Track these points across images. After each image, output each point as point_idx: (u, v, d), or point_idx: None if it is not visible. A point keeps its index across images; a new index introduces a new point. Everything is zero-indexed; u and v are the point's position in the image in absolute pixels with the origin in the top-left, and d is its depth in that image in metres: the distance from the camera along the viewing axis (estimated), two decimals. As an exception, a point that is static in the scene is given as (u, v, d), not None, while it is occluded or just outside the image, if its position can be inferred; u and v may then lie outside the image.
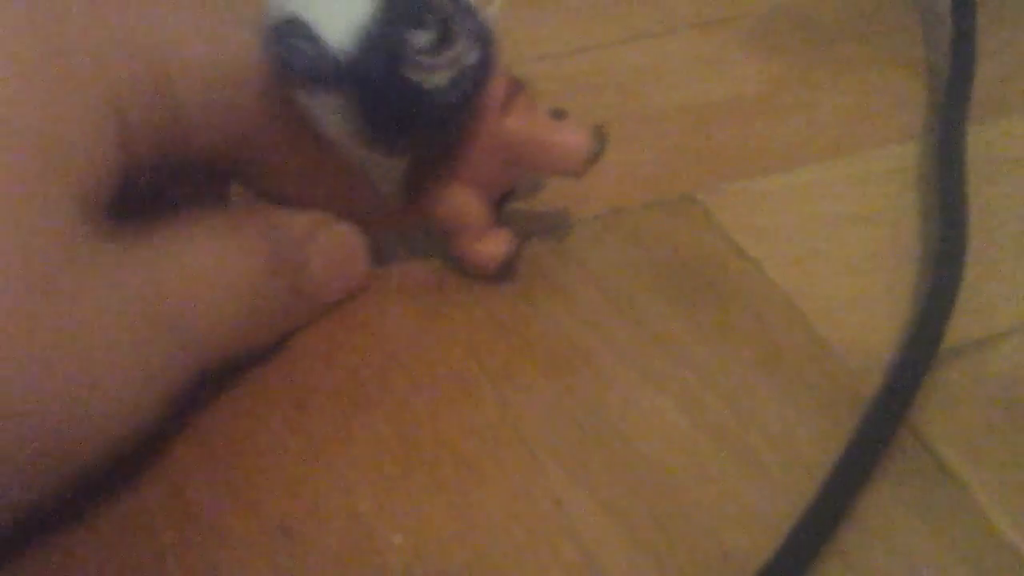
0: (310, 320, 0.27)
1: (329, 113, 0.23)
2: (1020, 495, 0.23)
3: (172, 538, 0.22)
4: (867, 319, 0.27)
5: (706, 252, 0.29)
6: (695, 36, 0.38)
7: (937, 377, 0.26)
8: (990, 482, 0.24)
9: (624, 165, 0.32)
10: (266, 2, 0.23)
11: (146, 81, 0.21)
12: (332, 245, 0.27)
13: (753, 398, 0.25)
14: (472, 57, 0.23)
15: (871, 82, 0.36)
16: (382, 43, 0.22)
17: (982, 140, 0.33)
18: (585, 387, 0.26)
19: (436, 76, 0.23)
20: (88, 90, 0.20)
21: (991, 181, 0.32)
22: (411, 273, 0.29)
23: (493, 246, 0.28)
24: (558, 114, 0.27)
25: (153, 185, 0.24)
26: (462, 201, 0.27)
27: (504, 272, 0.28)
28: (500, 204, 0.28)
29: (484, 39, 0.24)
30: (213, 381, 0.25)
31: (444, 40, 0.23)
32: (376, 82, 0.22)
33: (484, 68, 0.24)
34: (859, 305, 0.28)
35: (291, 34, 0.22)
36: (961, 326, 0.27)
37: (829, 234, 0.30)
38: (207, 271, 0.23)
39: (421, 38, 0.23)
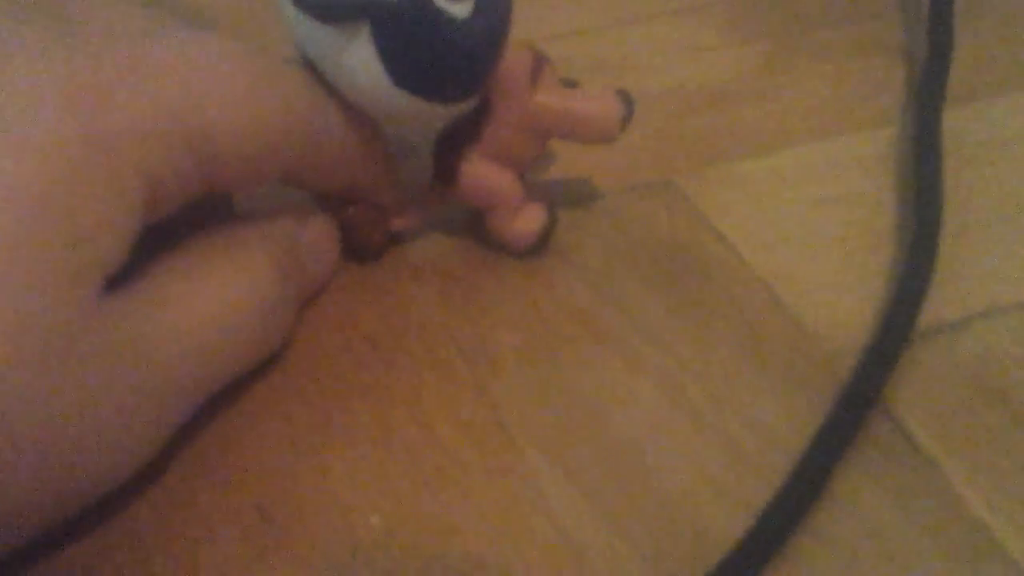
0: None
1: (358, 61, 0.23)
2: (991, 475, 0.24)
3: (150, 520, 0.22)
4: (843, 302, 0.28)
5: (684, 236, 0.29)
6: (673, 22, 0.38)
7: (911, 358, 0.26)
8: (962, 462, 0.24)
9: (602, 150, 0.32)
10: None
11: (182, 147, 0.21)
12: (317, 238, 0.27)
13: (730, 381, 0.25)
14: None
15: (849, 67, 0.36)
16: None
17: (958, 124, 0.33)
18: (563, 370, 0.26)
19: (458, 6, 0.23)
20: (121, 165, 0.20)
21: (967, 164, 0.32)
22: (387, 262, 0.29)
23: (529, 221, 0.28)
24: (569, 84, 0.27)
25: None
26: (495, 177, 0.27)
27: (540, 246, 0.28)
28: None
29: None
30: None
31: None
32: (399, 9, 0.22)
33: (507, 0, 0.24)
34: (836, 288, 0.28)
35: None
36: (936, 308, 0.27)
37: (806, 218, 0.30)
38: (218, 303, 0.23)
39: None
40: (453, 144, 0.27)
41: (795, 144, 0.33)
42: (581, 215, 0.30)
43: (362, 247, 0.28)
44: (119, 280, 0.21)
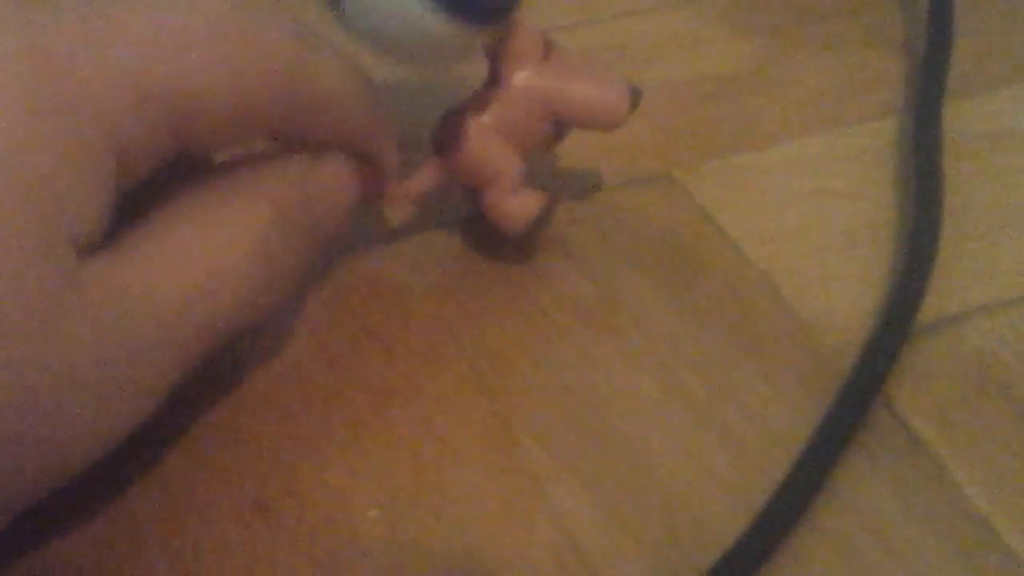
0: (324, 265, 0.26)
1: None
2: (992, 469, 0.23)
3: (148, 514, 0.22)
4: (844, 296, 0.28)
5: (684, 230, 0.29)
6: (673, 14, 0.38)
7: (912, 352, 0.26)
8: (963, 456, 0.24)
9: (602, 143, 0.32)
10: None
11: (150, 109, 0.20)
12: (330, 179, 0.25)
13: (729, 374, 0.25)
14: None
15: (849, 60, 0.36)
16: None
17: (958, 117, 0.33)
18: (563, 364, 0.26)
19: None
20: (88, 132, 0.19)
21: (967, 158, 0.32)
22: (388, 252, 0.29)
23: (525, 205, 0.27)
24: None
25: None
26: (496, 153, 0.26)
27: (532, 231, 0.27)
28: None
29: None
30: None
31: None
32: None
33: None
34: (836, 282, 0.28)
35: None
36: (937, 302, 0.27)
37: (806, 211, 0.30)
38: (210, 252, 0.22)
39: None
40: (459, 118, 0.27)
41: (795, 137, 0.33)
42: (581, 208, 0.30)
43: None
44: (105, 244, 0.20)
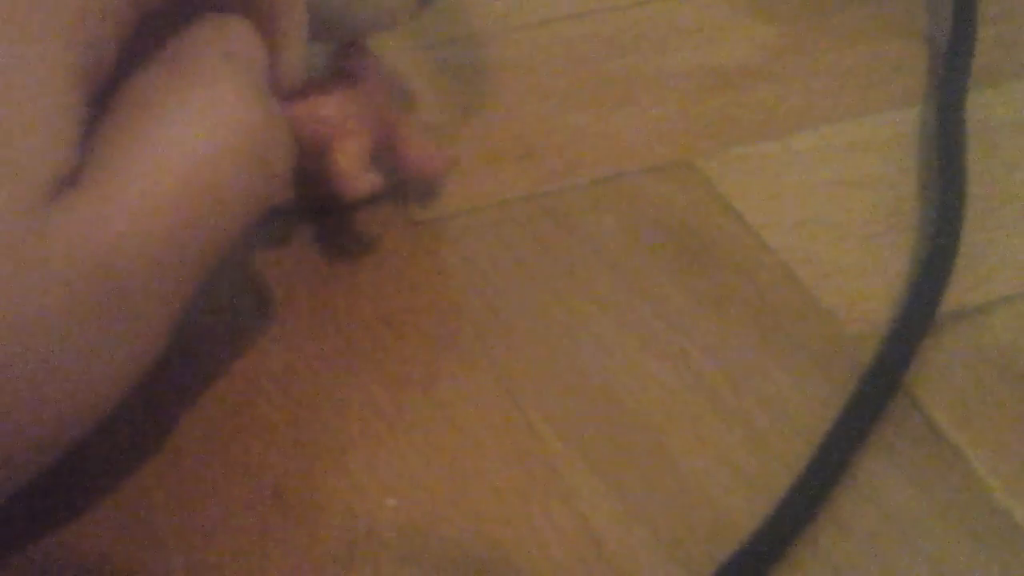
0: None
1: None
2: (1014, 460, 0.23)
3: (165, 504, 0.22)
4: (865, 285, 0.27)
5: (704, 218, 0.29)
6: (693, 2, 0.38)
7: (933, 342, 0.26)
8: (984, 447, 0.23)
9: (623, 130, 0.32)
10: None
11: None
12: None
13: (749, 364, 0.25)
14: None
15: (871, 48, 0.36)
16: None
17: (982, 106, 0.33)
18: (581, 352, 0.26)
19: None
20: (44, 42, 0.17)
21: (991, 148, 0.31)
22: (404, 238, 0.28)
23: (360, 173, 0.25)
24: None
25: None
26: (337, 108, 0.25)
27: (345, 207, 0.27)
28: None
29: None
30: (207, 344, 0.25)
31: None
32: None
33: None
34: (857, 271, 0.28)
35: None
36: (959, 292, 0.27)
37: (828, 200, 0.30)
38: (190, 158, 0.18)
39: None
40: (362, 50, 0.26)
41: (816, 126, 0.32)
42: (599, 195, 0.30)
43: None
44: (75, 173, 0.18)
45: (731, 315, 0.26)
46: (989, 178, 0.30)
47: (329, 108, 0.25)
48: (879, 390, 0.24)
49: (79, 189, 0.18)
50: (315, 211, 0.28)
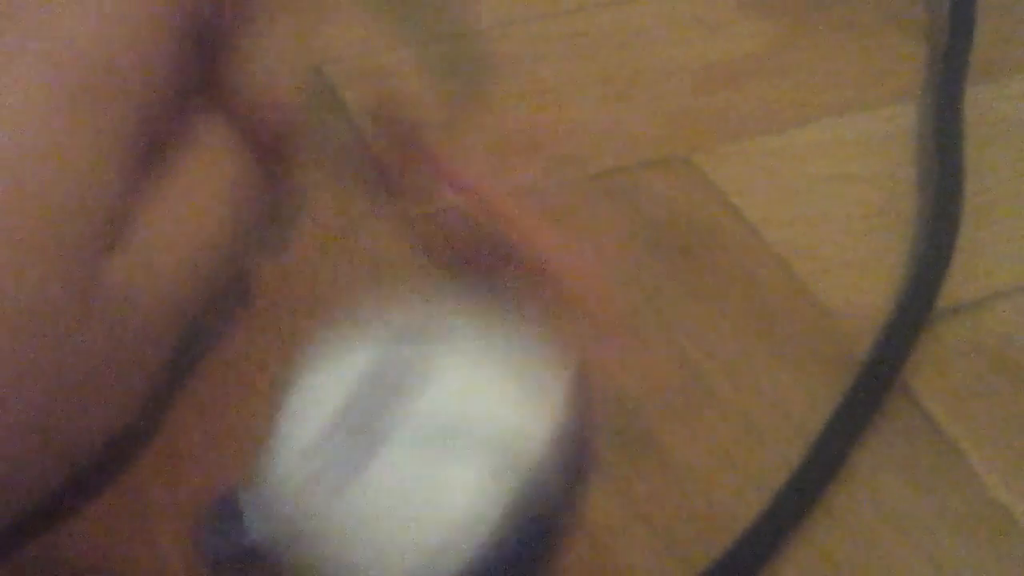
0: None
1: None
2: (1010, 454, 0.23)
3: (156, 483, 0.22)
4: (862, 280, 0.27)
5: (701, 213, 0.29)
6: (692, -4, 0.38)
7: (931, 338, 0.26)
8: (981, 441, 0.23)
9: (619, 125, 0.32)
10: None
11: (168, 26, 0.19)
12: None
13: (745, 359, 0.25)
14: None
15: (868, 43, 0.36)
16: None
17: (980, 101, 0.33)
18: (574, 345, 0.25)
19: None
20: (104, 104, 0.18)
21: (989, 142, 0.31)
22: (397, 231, 0.28)
23: None
24: None
25: None
26: None
27: None
28: None
29: None
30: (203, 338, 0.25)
31: None
32: None
33: None
34: (854, 266, 0.28)
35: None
36: (956, 286, 0.27)
37: (825, 195, 0.30)
38: (195, 222, 0.21)
39: None
40: None
41: (813, 121, 0.32)
42: (596, 191, 0.30)
43: None
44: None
45: (727, 309, 0.26)
46: (987, 173, 0.30)
47: None
48: (875, 385, 0.24)
49: (124, 243, 0.19)
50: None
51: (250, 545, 0.17)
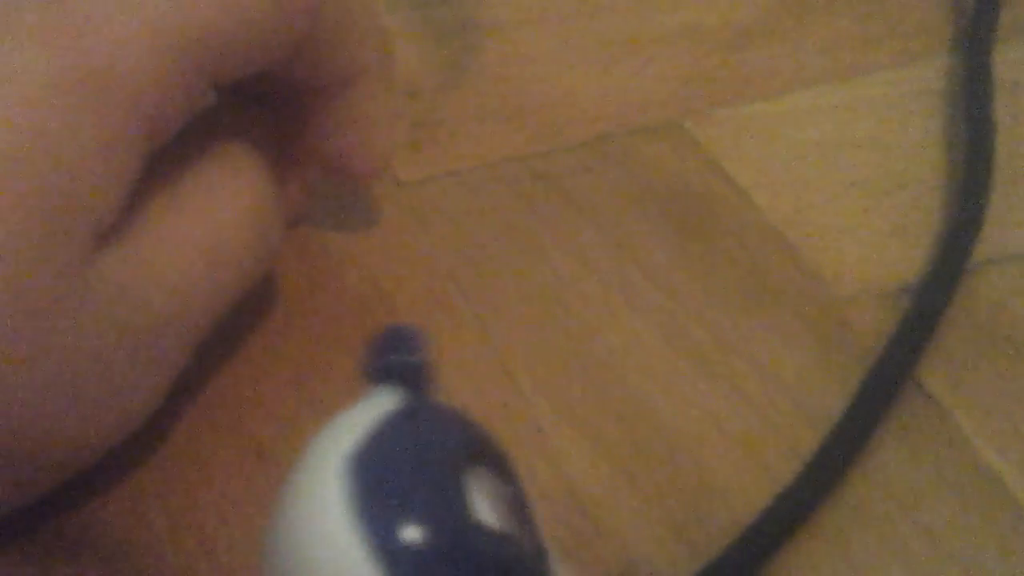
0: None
1: None
2: (1004, 424, 0.23)
3: (148, 464, 0.22)
4: (854, 247, 0.27)
5: (693, 180, 0.29)
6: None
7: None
8: (974, 411, 0.23)
9: (612, 91, 0.31)
10: None
11: (183, 63, 0.19)
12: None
13: (738, 327, 0.25)
14: None
15: (864, 8, 0.35)
16: None
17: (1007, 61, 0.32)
18: (568, 314, 0.25)
19: None
20: (114, 104, 0.18)
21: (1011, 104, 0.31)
22: (389, 206, 0.28)
23: None
24: None
25: None
26: None
27: None
28: None
29: None
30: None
31: None
32: None
33: None
34: (847, 233, 0.27)
35: None
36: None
37: (819, 162, 0.30)
38: (212, 229, 0.21)
39: None
40: None
41: (810, 86, 0.32)
42: (588, 157, 0.30)
43: None
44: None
45: (719, 276, 0.26)
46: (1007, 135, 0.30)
47: None
48: (890, 375, 0.23)
49: (123, 240, 0.19)
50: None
51: (420, 361, 0.17)
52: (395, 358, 0.17)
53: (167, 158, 0.21)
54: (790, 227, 0.28)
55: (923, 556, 0.21)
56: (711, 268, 0.26)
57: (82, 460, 0.20)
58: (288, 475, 0.15)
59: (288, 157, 0.25)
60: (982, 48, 0.32)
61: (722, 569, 0.20)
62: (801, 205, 0.28)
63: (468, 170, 0.29)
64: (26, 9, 0.18)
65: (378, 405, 0.16)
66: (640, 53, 0.33)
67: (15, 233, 0.17)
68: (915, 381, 0.24)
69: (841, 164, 0.29)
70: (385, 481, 0.14)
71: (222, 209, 0.21)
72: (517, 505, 0.17)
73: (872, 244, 0.27)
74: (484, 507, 0.16)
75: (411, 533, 0.14)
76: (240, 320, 0.25)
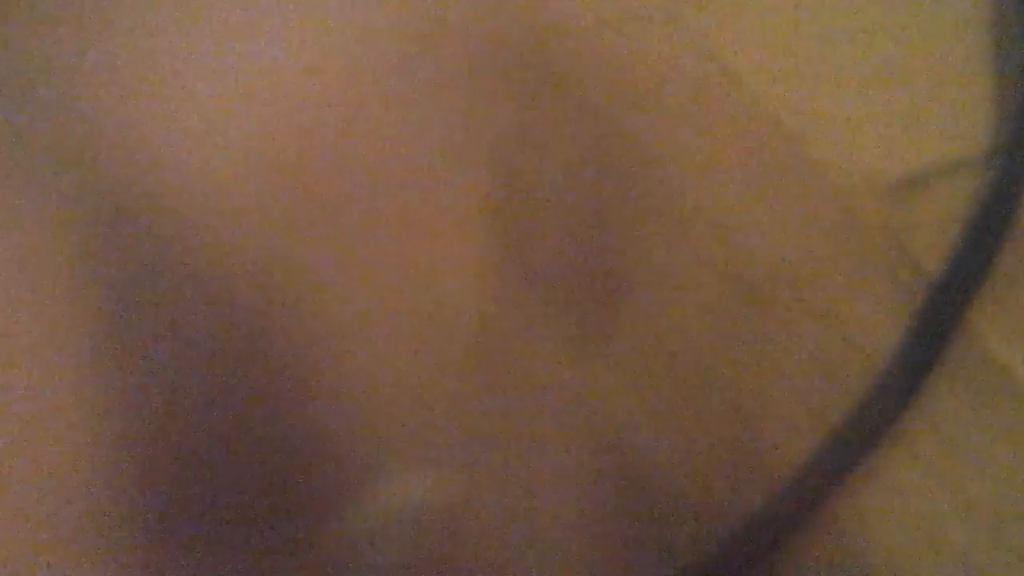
0: None
1: None
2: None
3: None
4: (856, 137, 0.27)
5: (688, 70, 0.28)
6: None
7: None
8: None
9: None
10: None
11: None
12: None
13: (738, 219, 0.25)
14: None
15: None
16: None
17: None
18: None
19: None
20: None
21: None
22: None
23: None
24: None
25: None
26: None
27: None
28: None
29: None
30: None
31: None
32: None
33: None
34: (848, 123, 0.27)
35: None
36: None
37: (820, 50, 0.29)
38: None
39: None
40: None
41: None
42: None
43: None
44: None
45: (717, 167, 0.26)
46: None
47: None
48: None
49: None
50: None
51: None
52: None
53: None
54: (789, 116, 0.27)
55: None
56: (708, 159, 0.26)
57: None
58: None
59: None
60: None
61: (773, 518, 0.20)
62: (801, 94, 0.27)
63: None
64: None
65: None
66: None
67: None
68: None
69: (842, 53, 0.29)
70: None
71: None
72: None
73: (874, 134, 0.27)
74: None
75: None
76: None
